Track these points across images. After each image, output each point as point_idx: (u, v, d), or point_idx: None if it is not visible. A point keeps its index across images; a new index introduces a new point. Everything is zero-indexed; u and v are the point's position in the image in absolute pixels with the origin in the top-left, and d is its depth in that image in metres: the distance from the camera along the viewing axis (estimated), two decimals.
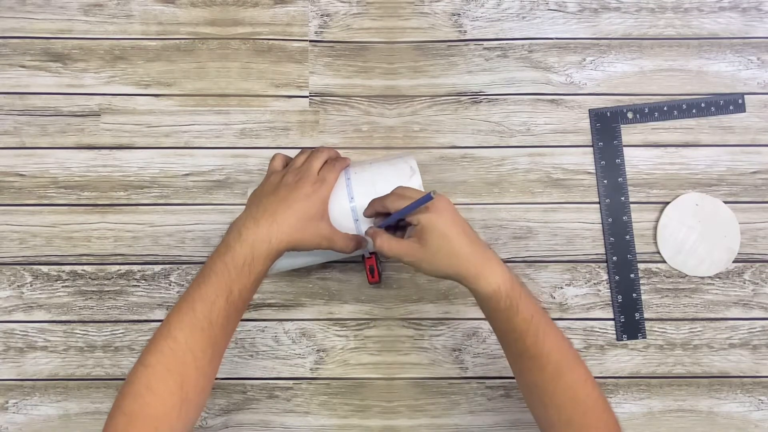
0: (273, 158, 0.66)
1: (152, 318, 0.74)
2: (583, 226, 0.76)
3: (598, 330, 0.75)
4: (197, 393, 0.55)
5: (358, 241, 0.65)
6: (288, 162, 0.66)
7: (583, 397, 0.58)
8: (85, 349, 0.74)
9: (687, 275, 0.75)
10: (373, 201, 0.63)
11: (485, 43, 0.78)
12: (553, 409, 0.57)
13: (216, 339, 0.56)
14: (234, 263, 0.57)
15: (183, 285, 0.74)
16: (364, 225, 0.65)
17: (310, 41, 0.78)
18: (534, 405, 0.60)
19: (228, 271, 0.57)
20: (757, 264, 0.75)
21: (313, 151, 0.66)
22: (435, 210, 0.58)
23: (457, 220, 0.59)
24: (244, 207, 0.75)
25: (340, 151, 0.76)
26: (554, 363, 0.57)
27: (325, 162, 0.65)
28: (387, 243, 0.60)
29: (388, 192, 0.62)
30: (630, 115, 0.77)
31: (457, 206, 0.74)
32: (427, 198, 0.56)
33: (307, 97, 0.77)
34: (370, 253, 0.69)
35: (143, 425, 0.52)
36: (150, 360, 0.54)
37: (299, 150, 0.67)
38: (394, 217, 0.61)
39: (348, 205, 0.64)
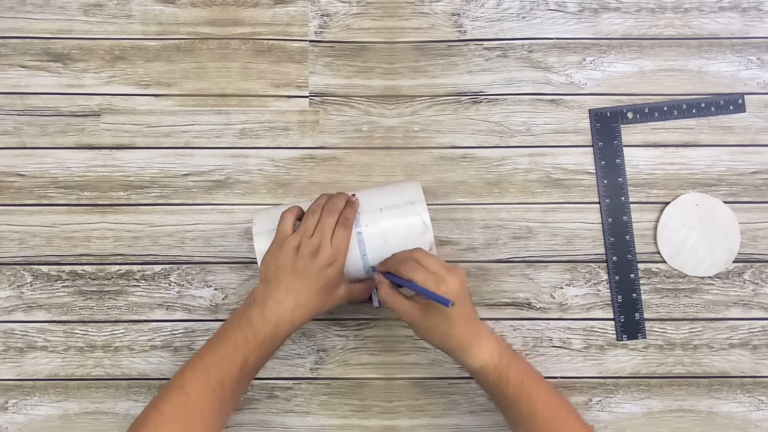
0: (282, 219, 0.65)
1: (152, 318, 0.74)
2: (583, 226, 0.76)
3: (598, 330, 0.75)
4: None
5: (371, 286, 0.68)
6: (298, 215, 0.66)
7: None
8: (85, 349, 0.74)
9: (687, 275, 0.75)
10: (389, 260, 0.63)
11: (485, 43, 0.78)
12: None
13: (225, 399, 0.60)
14: (255, 339, 0.61)
15: (183, 285, 0.74)
16: (371, 257, 0.65)
17: (310, 41, 0.78)
18: None
19: (248, 344, 0.61)
20: (757, 264, 0.75)
21: (322, 212, 0.65)
22: (431, 276, 0.59)
23: (461, 303, 0.60)
24: (244, 206, 0.75)
25: (340, 152, 0.76)
26: (549, 420, 0.62)
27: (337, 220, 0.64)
28: (391, 297, 0.62)
29: (399, 248, 0.63)
30: (630, 115, 0.77)
31: (457, 206, 0.75)
32: (444, 302, 0.57)
33: (307, 97, 0.77)
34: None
35: None
36: (162, 407, 0.59)
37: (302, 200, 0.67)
38: (403, 283, 0.61)
39: (361, 263, 0.65)
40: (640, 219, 0.76)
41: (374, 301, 0.69)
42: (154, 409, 0.59)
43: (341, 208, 0.65)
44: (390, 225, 0.65)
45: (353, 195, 0.67)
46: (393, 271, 0.63)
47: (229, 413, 0.62)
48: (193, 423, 0.58)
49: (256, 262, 0.69)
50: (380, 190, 0.68)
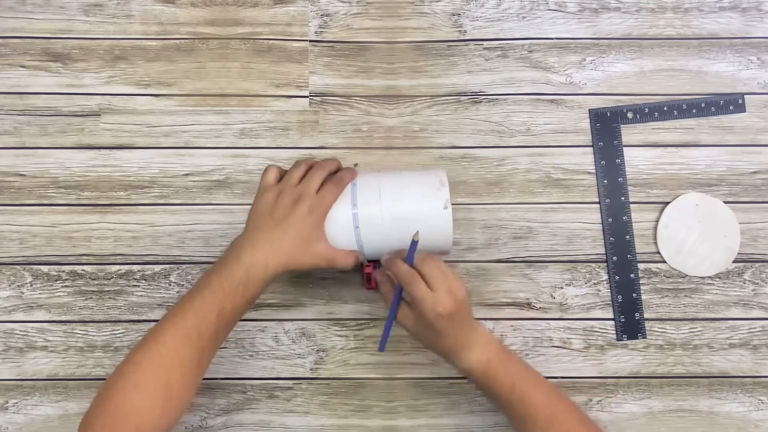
0: (266, 171, 0.65)
1: (152, 318, 0.74)
2: (583, 226, 0.76)
3: (598, 330, 0.75)
4: (181, 395, 0.58)
5: (357, 256, 0.66)
6: (282, 174, 0.66)
7: None
8: (85, 349, 0.74)
9: (687, 275, 0.75)
10: (396, 260, 0.63)
11: (485, 43, 0.78)
12: None
13: (203, 349, 0.59)
14: (229, 283, 0.60)
15: (183, 285, 0.74)
16: (365, 233, 0.64)
17: (310, 41, 0.78)
18: None
19: (222, 289, 0.60)
20: (757, 264, 0.75)
21: (311, 167, 0.65)
22: (428, 295, 0.60)
23: (454, 316, 0.61)
24: (244, 206, 0.75)
25: (340, 152, 0.76)
26: (544, 418, 0.62)
27: (326, 178, 0.65)
28: (391, 295, 0.64)
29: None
30: (630, 115, 0.77)
31: (457, 206, 0.75)
32: (380, 347, 0.66)
33: (307, 97, 0.77)
34: (369, 262, 0.69)
35: (127, 418, 0.55)
36: (139, 359, 0.58)
37: (293, 162, 0.66)
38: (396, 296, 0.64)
39: (350, 212, 0.64)
40: (640, 219, 0.76)
41: (365, 260, 0.68)
42: (132, 362, 0.57)
43: (333, 170, 0.65)
44: (405, 181, 0.65)
45: (355, 165, 0.68)
46: (394, 277, 0.63)
47: (206, 365, 0.61)
48: (172, 373, 0.57)
49: None
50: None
